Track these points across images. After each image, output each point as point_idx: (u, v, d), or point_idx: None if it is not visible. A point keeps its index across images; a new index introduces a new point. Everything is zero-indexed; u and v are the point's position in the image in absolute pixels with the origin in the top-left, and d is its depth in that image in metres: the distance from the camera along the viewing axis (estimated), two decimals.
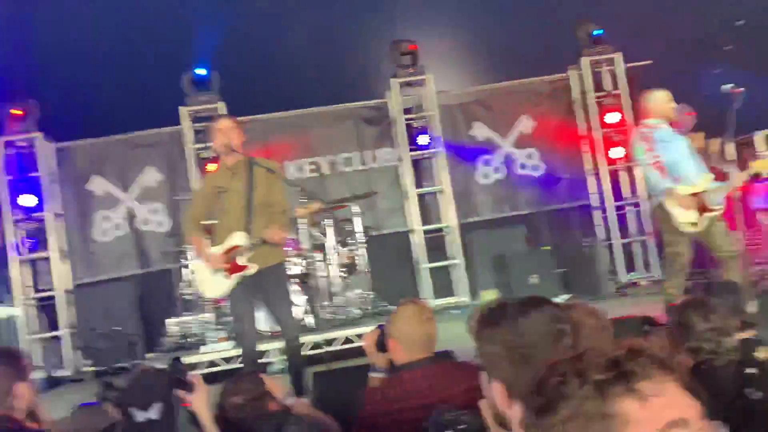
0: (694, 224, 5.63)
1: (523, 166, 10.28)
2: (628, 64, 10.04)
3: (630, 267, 9.85)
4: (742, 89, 5.92)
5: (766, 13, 10.45)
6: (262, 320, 7.11)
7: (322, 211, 7.77)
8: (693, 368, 2.77)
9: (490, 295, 9.35)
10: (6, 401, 2.64)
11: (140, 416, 2.34)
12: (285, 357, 5.83)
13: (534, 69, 10.52)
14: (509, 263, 9.01)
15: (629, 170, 10.03)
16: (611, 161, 9.89)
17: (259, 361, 5.78)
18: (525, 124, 10.34)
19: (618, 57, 10.02)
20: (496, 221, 10.13)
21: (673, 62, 10.01)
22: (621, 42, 10.15)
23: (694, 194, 5.65)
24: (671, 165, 5.69)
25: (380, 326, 3.13)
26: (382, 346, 3.06)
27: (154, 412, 2.37)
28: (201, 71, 9.48)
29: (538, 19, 11.16)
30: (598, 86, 10.17)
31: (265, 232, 5.09)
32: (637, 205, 9.96)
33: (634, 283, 9.54)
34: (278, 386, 3.16)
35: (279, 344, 6.35)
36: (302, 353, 5.72)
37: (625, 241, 9.86)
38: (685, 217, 5.62)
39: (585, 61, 10.03)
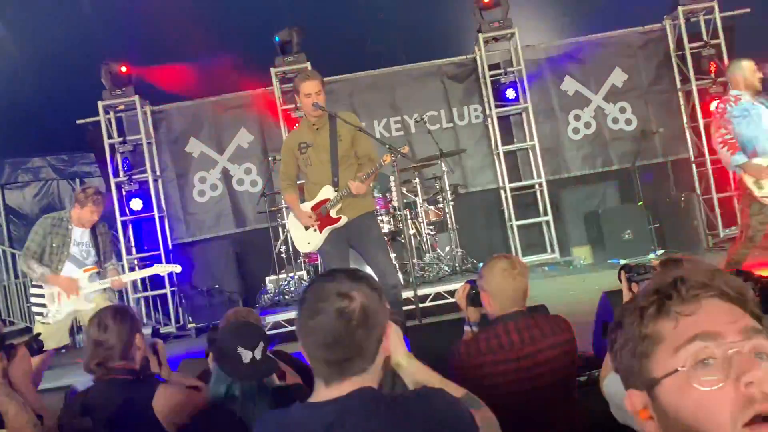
0: None
1: (615, 121, 10.03)
2: (725, 13, 9.61)
3: (729, 222, 9.51)
4: None
5: None
6: None
7: (408, 161, 7.70)
8: None
9: (582, 252, 9.26)
10: (129, 353, 2.85)
11: (246, 356, 2.51)
12: None
13: (626, 20, 10.19)
14: (602, 219, 8.88)
15: None
16: (709, 113, 9.49)
17: None
18: (617, 77, 10.06)
19: (714, 5, 9.58)
20: (587, 177, 9.96)
21: None
22: None
23: None
24: (748, 139, 5.55)
25: (471, 281, 3.16)
26: (473, 300, 3.10)
27: (258, 352, 2.53)
28: (276, 38, 9.54)
29: None
30: (694, 36, 9.76)
31: (351, 184, 5.13)
32: None
33: (733, 238, 9.18)
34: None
35: None
36: (401, 302, 5.64)
37: (723, 195, 9.49)
38: (761, 191, 5.50)
39: (680, 10, 9.63)
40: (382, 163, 5.09)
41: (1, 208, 11.03)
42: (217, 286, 7.94)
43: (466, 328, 3.20)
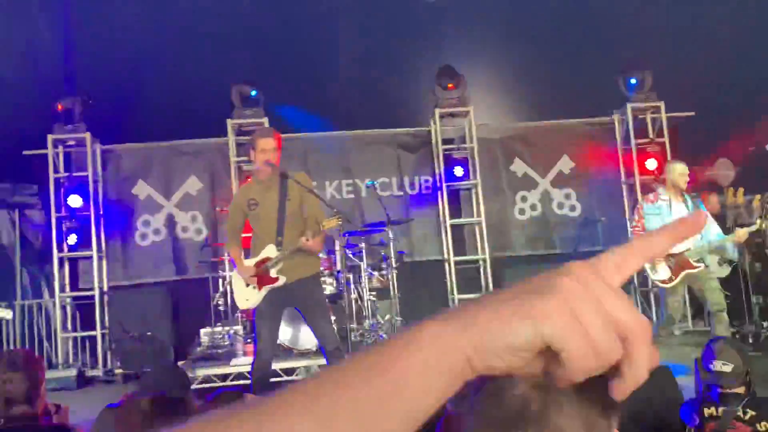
0: (665, 282, 6.37)
1: (560, 206, 10.30)
2: (671, 114, 10.10)
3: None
4: None
5: None
6: (290, 336, 7.20)
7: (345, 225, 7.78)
8: None
9: None
10: (32, 399, 2.77)
11: None
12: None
13: (577, 110, 10.58)
14: None
15: None
16: None
17: (271, 380, 5.62)
18: (565, 164, 10.37)
19: (661, 106, 10.08)
20: (530, 257, 10.13)
21: (716, 114, 10.04)
22: (666, 91, 10.20)
23: (671, 255, 6.24)
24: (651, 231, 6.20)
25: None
26: None
27: None
28: (252, 92, 9.62)
29: (585, 61, 11.22)
30: (640, 133, 10.21)
31: (298, 242, 5.10)
32: None
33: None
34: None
35: (306, 362, 6.37)
36: None
37: (657, 287, 9.75)
38: (655, 275, 6.42)
39: (629, 107, 10.08)
40: (324, 227, 5.11)
41: None
42: (149, 333, 7.73)
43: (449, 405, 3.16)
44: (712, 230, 6.44)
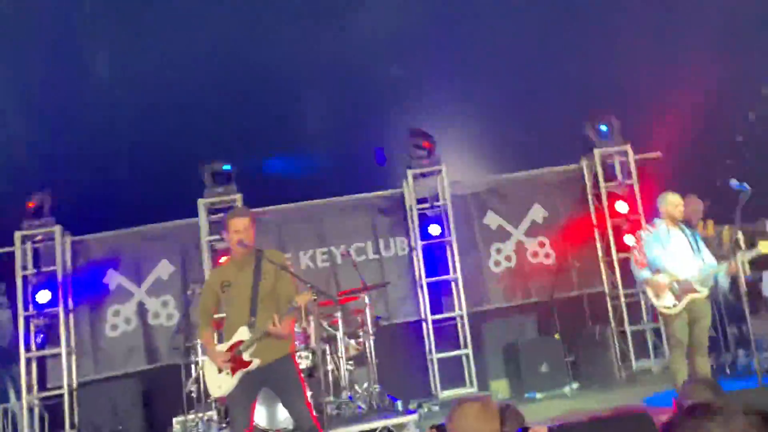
0: (668, 308, 6.42)
1: (534, 255, 10.28)
2: (638, 156, 10.17)
3: (643, 354, 9.68)
4: (746, 187, 6.15)
5: None
6: (265, 417, 7.11)
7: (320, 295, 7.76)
8: None
9: (500, 385, 9.25)
10: None
11: None
12: None
13: (546, 159, 10.69)
14: (520, 352, 8.94)
15: None
16: (623, 249, 9.82)
17: None
18: (537, 213, 10.39)
19: (628, 148, 10.15)
20: (507, 310, 10.09)
21: (684, 153, 10.11)
22: (633, 133, 10.31)
23: (676, 280, 6.38)
24: (653, 259, 6.51)
25: (438, 427, 3.10)
26: None
27: None
28: (225, 167, 9.67)
29: (551, 110, 11.35)
30: (609, 176, 10.28)
31: (268, 325, 5.01)
32: None
33: (646, 370, 9.40)
34: None
35: None
36: None
37: (636, 327, 9.74)
38: (660, 302, 6.46)
39: (596, 152, 10.16)
40: (296, 304, 5.04)
41: None
42: (120, 427, 7.63)
43: None
44: (706, 258, 6.56)
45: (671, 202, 6.65)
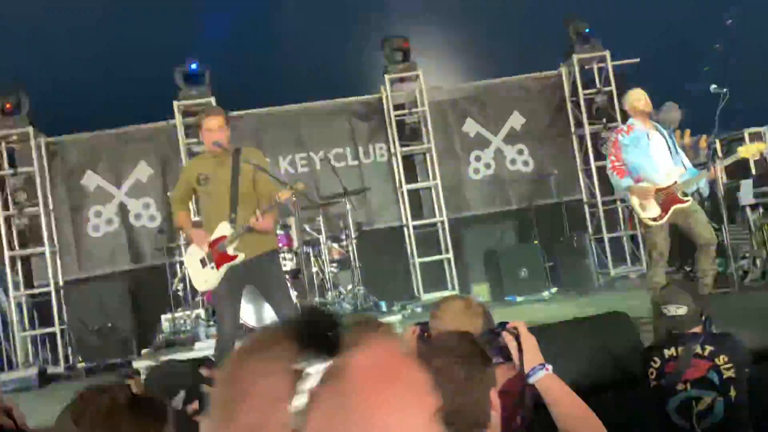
0: (655, 219, 6.08)
1: (513, 162, 10.36)
2: (616, 62, 10.14)
3: (620, 261, 9.94)
4: (725, 90, 6.10)
5: (755, 13, 10.54)
6: (253, 315, 7.19)
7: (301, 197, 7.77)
8: None
9: (481, 289, 9.46)
10: None
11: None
12: None
13: (525, 66, 10.62)
14: (500, 258, 9.10)
15: None
16: (601, 157, 9.93)
17: None
18: (516, 120, 10.41)
19: (607, 55, 10.11)
20: (487, 216, 10.20)
21: (661, 60, 10.13)
22: (611, 39, 10.25)
23: (659, 190, 6.07)
24: (634, 166, 6.16)
25: (421, 324, 3.02)
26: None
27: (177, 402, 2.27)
28: (193, 65, 9.48)
29: (530, 16, 11.25)
30: (588, 83, 10.25)
31: (252, 220, 4.99)
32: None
33: (624, 277, 9.66)
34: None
35: None
36: None
37: (614, 235, 9.95)
38: (645, 213, 6.11)
39: (575, 59, 10.10)
40: (278, 199, 5.01)
41: None
42: (110, 324, 7.66)
43: None
44: (686, 162, 6.37)
45: (633, 96, 6.32)
